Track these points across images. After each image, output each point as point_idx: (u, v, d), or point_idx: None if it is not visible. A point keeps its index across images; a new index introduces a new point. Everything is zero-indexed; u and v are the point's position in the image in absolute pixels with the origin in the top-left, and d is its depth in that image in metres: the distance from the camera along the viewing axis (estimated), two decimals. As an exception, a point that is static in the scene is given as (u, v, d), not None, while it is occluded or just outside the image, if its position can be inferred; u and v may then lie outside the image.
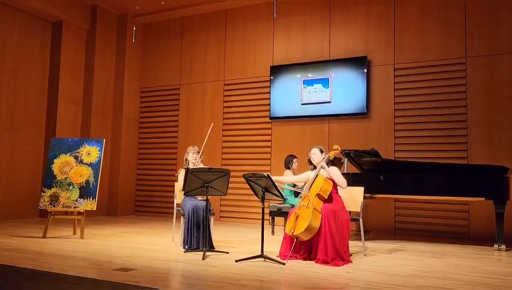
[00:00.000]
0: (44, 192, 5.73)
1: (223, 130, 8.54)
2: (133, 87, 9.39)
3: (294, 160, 6.56)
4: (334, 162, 4.75)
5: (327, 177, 4.49)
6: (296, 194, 6.21)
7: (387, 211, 7.04)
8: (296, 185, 6.09)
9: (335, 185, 4.53)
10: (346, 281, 3.53)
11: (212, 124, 5.80)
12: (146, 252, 4.69)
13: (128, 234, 6.27)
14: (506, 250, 5.32)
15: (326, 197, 4.42)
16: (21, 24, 8.07)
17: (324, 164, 4.55)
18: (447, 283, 3.53)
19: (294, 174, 6.54)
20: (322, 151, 4.68)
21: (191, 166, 5.18)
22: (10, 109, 7.87)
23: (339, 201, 4.53)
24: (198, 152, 5.30)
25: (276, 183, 4.31)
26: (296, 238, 4.29)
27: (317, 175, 4.51)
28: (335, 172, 4.56)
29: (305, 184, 4.70)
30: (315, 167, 4.68)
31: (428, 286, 3.41)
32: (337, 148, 4.76)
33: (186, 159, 5.33)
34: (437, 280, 3.66)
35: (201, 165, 5.18)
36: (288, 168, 6.54)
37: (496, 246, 5.39)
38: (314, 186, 4.44)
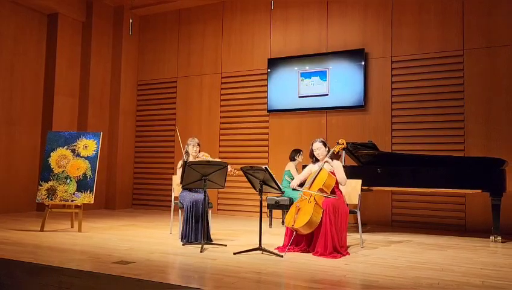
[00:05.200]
0: (41, 185, 5.72)
1: (220, 123, 8.53)
2: (130, 80, 9.35)
3: (301, 152, 6.63)
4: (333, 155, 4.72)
5: (330, 172, 4.46)
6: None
7: (385, 203, 7.07)
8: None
9: (336, 179, 4.52)
10: (344, 273, 3.55)
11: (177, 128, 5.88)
12: (144, 245, 4.70)
13: (126, 227, 6.28)
14: (502, 242, 5.36)
15: (329, 192, 4.41)
16: (16, 17, 8.00)
17: (329, 160, 4.52)
18: (443, 275, 3.56)
19: (297, 167, 6.57)
20: (325, 145, 4.63)
21: (191, 159, 5.16)
22: (6, 102, 7.83)
23: (339, 195, 4.53)
24: (199, 144, 5.26)
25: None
26: (296, 231, 4.30)
27: (320, 169, 4.50)
28: (338, 167, 4.53)
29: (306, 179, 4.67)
30: (317, 160, 4.66)
31: (424, 278, 3.44)
32: (343, 143, 4.73)
33: (186, 152, 5.24)
34: (433, 271, 3.69)
35: (209, 158, 5.06)
36: (294, 160, 6.60)
37: (492, 237, 5.43)
38: (317, 180, 4.43)
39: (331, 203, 4.31)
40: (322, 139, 4.67)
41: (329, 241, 4.17)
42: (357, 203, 4.89)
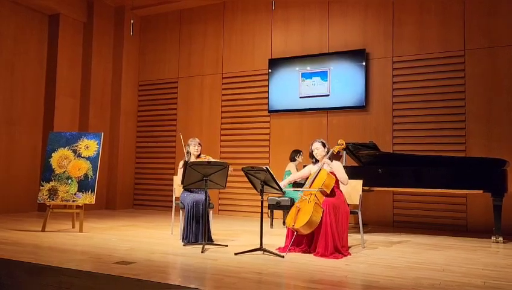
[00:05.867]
0: (42, 186, 5.72)
1: (221, 123, 8.53)
2: (131, 81, 9.36)
3: (301, 153, 6.64)
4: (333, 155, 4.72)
5: (330, 172, 4.47)
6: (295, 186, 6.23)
7: (386, 204, 7.06)
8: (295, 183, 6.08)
9: (337, 179, 4.52)
10: (345, 274, 3.54)
11: (181, 133, 5.77)
12: (145, 246, 4.70)
13: (127, 227, 6.28)
14: (503, 242, 5.35)
15: (329, 192, 4.41)
16: (17, 17, 8.02)
17: (328, 160, 4.53)
18: (444, 275, 3.56)
19: (297, 167, 6.57)
20: (324, 145, 4.63)
21: (192, 159, 5.16)
22: (7, 102, 7.84)
23: (340, 195, 4.52)
24: (200, 144, 5.26)
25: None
26: (296, 231, 4.30)
27: (320, 169, 4.50)
28: (338, 167, 4.52)
29: (307, 179, 4.68)
30: (317, 161, 4.66)
31: (425, 278, 3.43)
32: (342, 143, 4.73)
33: (188, 152, 5.23)
34: (434, 272, 3.68)
35: (211, 159, 5.04)
36: (294, 160, 6.61)
37: (493, 238, 5.42)
38: (317, 180, 4.43)
39: (331, 203, 4.30)
40: (322, 140, 4.68)
41: (330, 241, 4.16)
42: (358, 203, 4.88)
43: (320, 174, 4.46)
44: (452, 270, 3.77)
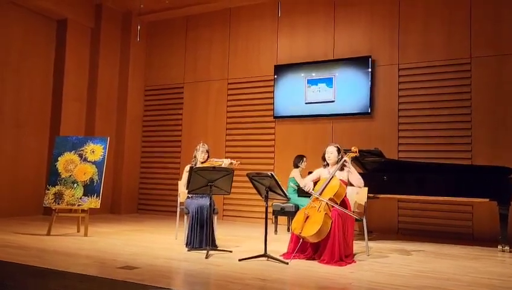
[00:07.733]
0: (48, 190, 5.76)
1: (226, 129, 8.54)
2: (137, 85, 9.41)
3: (304, 158, 6.64)
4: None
5: (341, 180, 4.43)
6: (299, 192, 6.22)
7: (391, 211, 7.02)
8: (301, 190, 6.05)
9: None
10: (349, 281, 3.53)
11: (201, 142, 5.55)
12: (149, 251, 4.71)
13: (132, 232, 6.29)
14: (510, 251, 5.30)
15: (339, 203, 4.37)
16: (25, 22, 8.09)
17: (350, 165, 4.51)
18: (449, 284, 3.53)
19: (301, 173, 6.55)
20: (339, 151, 4.60)
21: (198, 165, 5.17)
22: (15, 106, 7.90)
23: (347, 204, 4.51)
24: (208, 151, 5.28)
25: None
26: (303, 238, 4.27)
27: (331, 177, 4.46)
28: (353, 170, 4.52)
29: (315, 184, 4.63)
30: (327, 164, 4.64)
31: (430, 287, 3.41)
32: (356, 151, 4.71)
33: (194, 157, 5.27)
34: (439, 280, 3.65)
35: (225, 161, 5.08)
36: (297, 166, 6.61)
37: (499, 247, 5.37)
38: (328, 189, 4.38)
39: (339, 212, 4.28)
40: (338, 145, 4.65)
41: (337, 250, 4.13)
42: (362, 211, 4.86)
43: (332, 182, 4.41)
44: (458, 279, 3.74)
